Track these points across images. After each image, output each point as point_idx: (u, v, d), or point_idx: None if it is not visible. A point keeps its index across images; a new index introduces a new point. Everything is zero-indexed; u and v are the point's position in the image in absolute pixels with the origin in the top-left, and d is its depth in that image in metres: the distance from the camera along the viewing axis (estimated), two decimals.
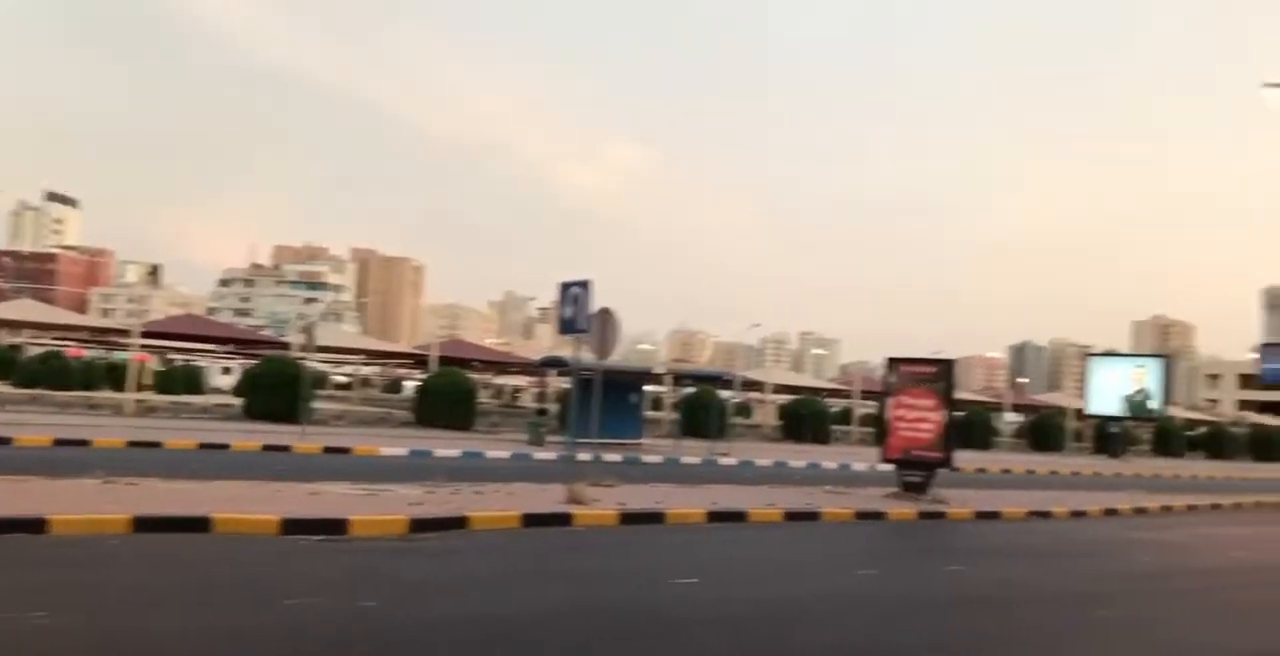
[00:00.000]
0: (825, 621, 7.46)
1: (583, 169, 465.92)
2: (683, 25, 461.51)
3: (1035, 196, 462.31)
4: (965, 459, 36.50)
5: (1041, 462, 38.33)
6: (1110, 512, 19.21)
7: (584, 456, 26.22)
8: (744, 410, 70.81)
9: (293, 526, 10.43)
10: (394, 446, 23.80)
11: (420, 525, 11.11)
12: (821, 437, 41.31)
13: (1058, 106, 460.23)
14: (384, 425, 32.40)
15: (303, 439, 23.01)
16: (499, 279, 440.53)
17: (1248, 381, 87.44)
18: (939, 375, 18.00)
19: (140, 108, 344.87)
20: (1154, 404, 46.05)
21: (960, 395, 55.38)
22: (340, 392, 55.68)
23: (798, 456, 30.83)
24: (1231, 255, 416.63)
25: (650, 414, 47.94)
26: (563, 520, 12.34)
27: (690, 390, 38.98)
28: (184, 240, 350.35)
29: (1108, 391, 47.50)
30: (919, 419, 17.93)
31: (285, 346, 36.19)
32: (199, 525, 10.14)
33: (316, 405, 39.18)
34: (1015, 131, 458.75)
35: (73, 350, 52.61)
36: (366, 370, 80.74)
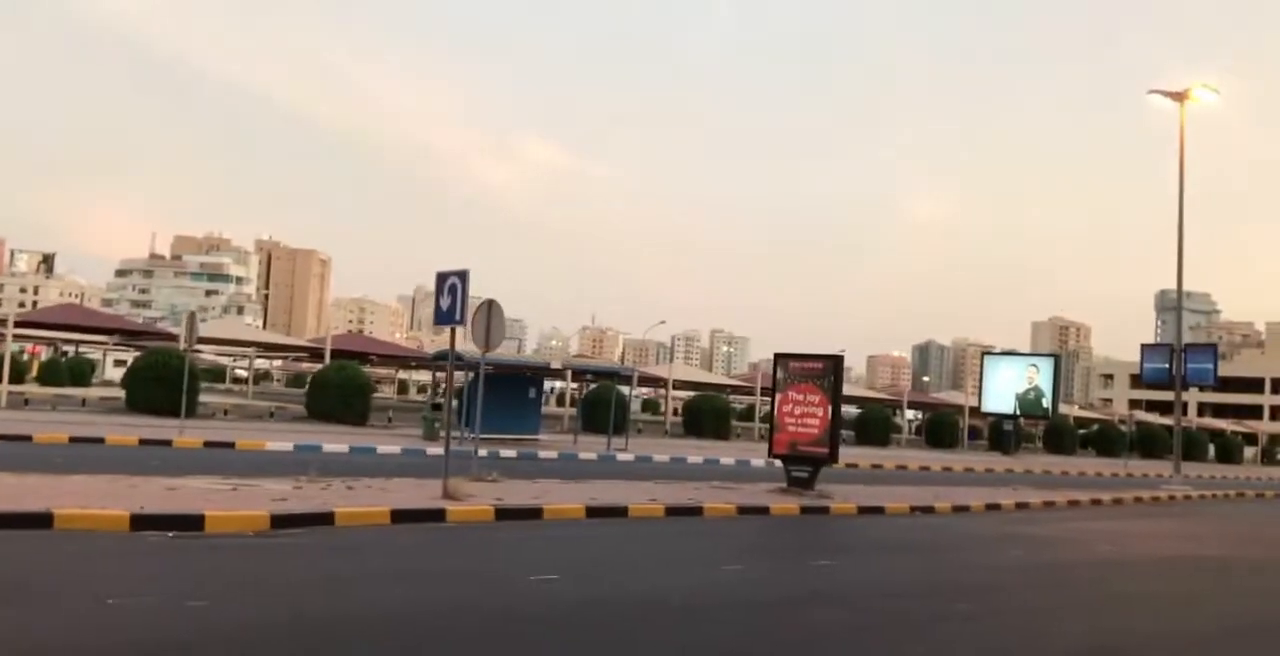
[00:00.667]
0: (675, 619, 7.29)
1: (494, 164, 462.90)
2: (595, 23, 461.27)
3: (941, 200, 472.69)
4: (863, 455, 36.99)
5: (936, 459, 38.99)
6: (993, 507, 19.52)
7: (479, 451, 25.99)
8: (652, 405, 70.97)
9: (143, 522, 9.97)
10: (280, 441, 23.24)
11: (282, 521, 10.72)
12: (722, 433, 41.46)
13: (963, 112, 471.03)
14: (275, 419, 31.58)
15: (183, 433, 22.31)
16: (409, 274, 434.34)
17: (1138, 381, 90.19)
18: (825, 371, 18.07)
19: (32, 93, 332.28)
20: (1045, 401, 47.20)
21: (860, 393, 56.26)
22: (239, 386, 54.30)
23: (697, 452, 30.89)
24: (1130, 258, 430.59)
25: (555, 410, 47.72)
26: (435, 516, 12.05)
27: (592, 386, 38.77)
28: (81, 229, 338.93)
29: (1002, 389, 48.58)
30: (805, 414, 17.99)
31: (173, 337, 35.04)
32: (39, 521, 9.61)
33: (210, 399, 38.18)
34: (922, 137, 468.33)
35: None
36: (273, 364, 78.97)
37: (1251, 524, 22.64)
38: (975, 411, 51.65)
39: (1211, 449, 64.50)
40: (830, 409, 17.82)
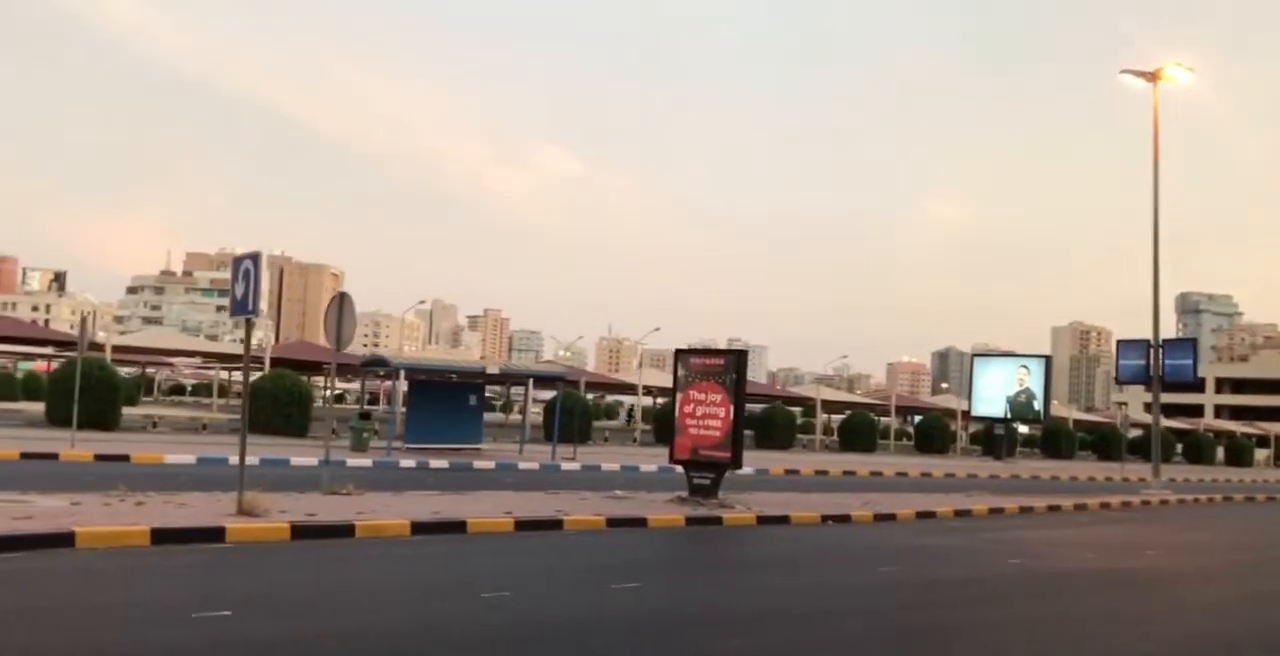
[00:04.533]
0: None
1: (508, 175, 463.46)
2: (610, 35, 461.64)
3: (961, 205, 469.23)
4: (841, 461, 35.31)
5: (919, 464, 37.26)
6: (925, 515, 17.83)
7: (408, 462, 24.50)
8: (647, 415, 69.28)
9: None
10: (185, 454, 22.02)
11: (4, 544, 9.22)
12: None
13: (983, 117, 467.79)
14: (208, 432, 30.21)
15: (74, 446, 21.01)
16: (425, 287, 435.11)
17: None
18: (727, 367, 16.46)
19: (44, 110, 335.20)
20: (1037, 404, 45.16)
21: (843, 397, 54.48)
22: (190, 398, 53.11)
23: (653, 460, 29.21)
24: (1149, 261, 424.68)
25: (520, 418, 46.17)
26: (211, 536, 10.44)
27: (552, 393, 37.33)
28: (95, 247, 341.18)
29: (992, 392, 46.57)
30: (707, 415, 16.39)
31: (96, 347, 33.72)
32: None
33: (167, 412, 37.00)
34: (941, 141, 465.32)
35: None
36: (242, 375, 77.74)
37: (1214, 530, 20.76)
38: (966, 415, 49.67)
39: (1221, 451, 62.19)
40: (733, 409, 16.19)
